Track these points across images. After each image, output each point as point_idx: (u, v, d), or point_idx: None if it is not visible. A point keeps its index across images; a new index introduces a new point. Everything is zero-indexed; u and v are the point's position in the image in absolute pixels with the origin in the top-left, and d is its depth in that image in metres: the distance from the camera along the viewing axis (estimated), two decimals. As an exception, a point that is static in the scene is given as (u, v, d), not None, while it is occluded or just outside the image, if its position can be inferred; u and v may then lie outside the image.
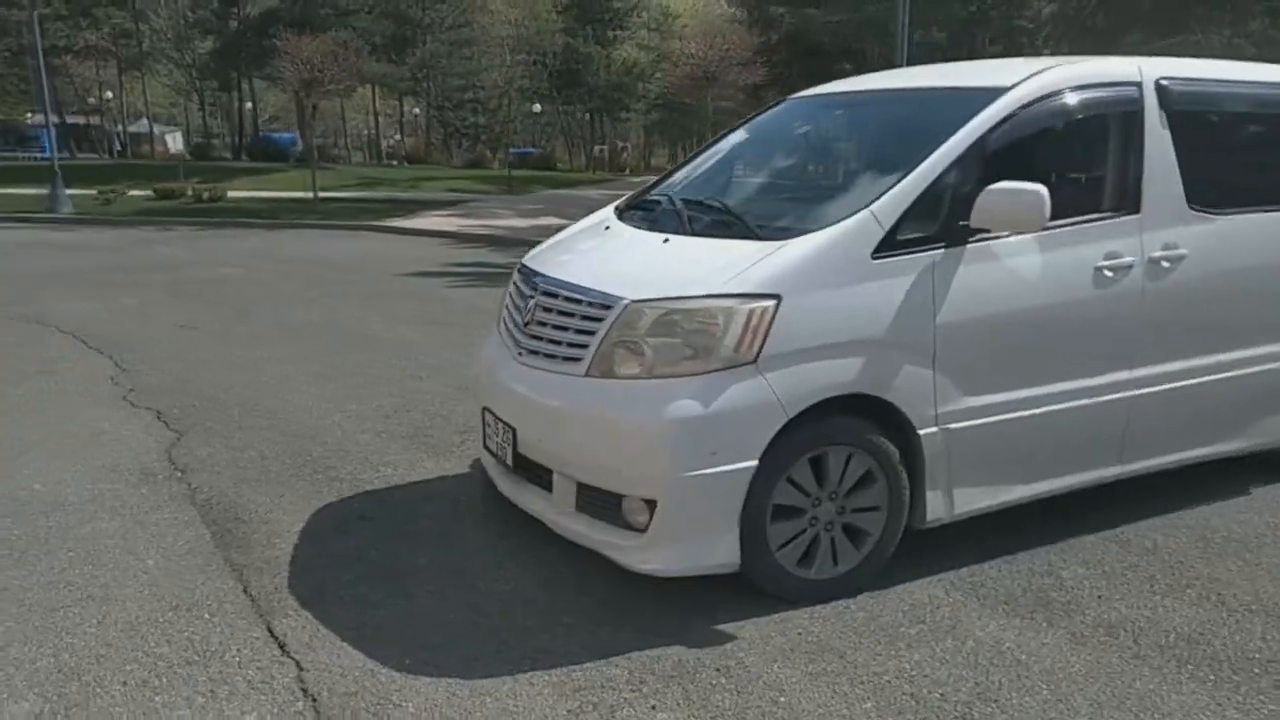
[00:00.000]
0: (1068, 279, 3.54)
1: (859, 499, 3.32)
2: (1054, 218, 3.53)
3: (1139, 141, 3.72)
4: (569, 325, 3.32)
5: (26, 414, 5.51)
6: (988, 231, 3.33)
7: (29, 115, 53.43)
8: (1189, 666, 2.92)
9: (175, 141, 58.16)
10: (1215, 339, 3.97)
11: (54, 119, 52.40)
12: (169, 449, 4.90)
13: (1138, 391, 3.79)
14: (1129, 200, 3.71)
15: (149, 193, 21.39)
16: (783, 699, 2.74)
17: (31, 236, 16.30)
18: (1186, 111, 3.85)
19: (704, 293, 3.09)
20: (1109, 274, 3.61)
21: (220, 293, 10.10)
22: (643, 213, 4.02)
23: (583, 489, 3.24)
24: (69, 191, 19.88)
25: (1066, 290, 3.54)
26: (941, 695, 2.76)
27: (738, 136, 4.60)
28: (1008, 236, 3.42)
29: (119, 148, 48.94)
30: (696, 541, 3.07)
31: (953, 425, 3.39)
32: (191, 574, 3.51)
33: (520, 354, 3.52)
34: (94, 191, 20.83)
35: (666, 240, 3.56)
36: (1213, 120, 4.06)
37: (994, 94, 3.52)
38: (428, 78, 35.12)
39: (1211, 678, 2.87)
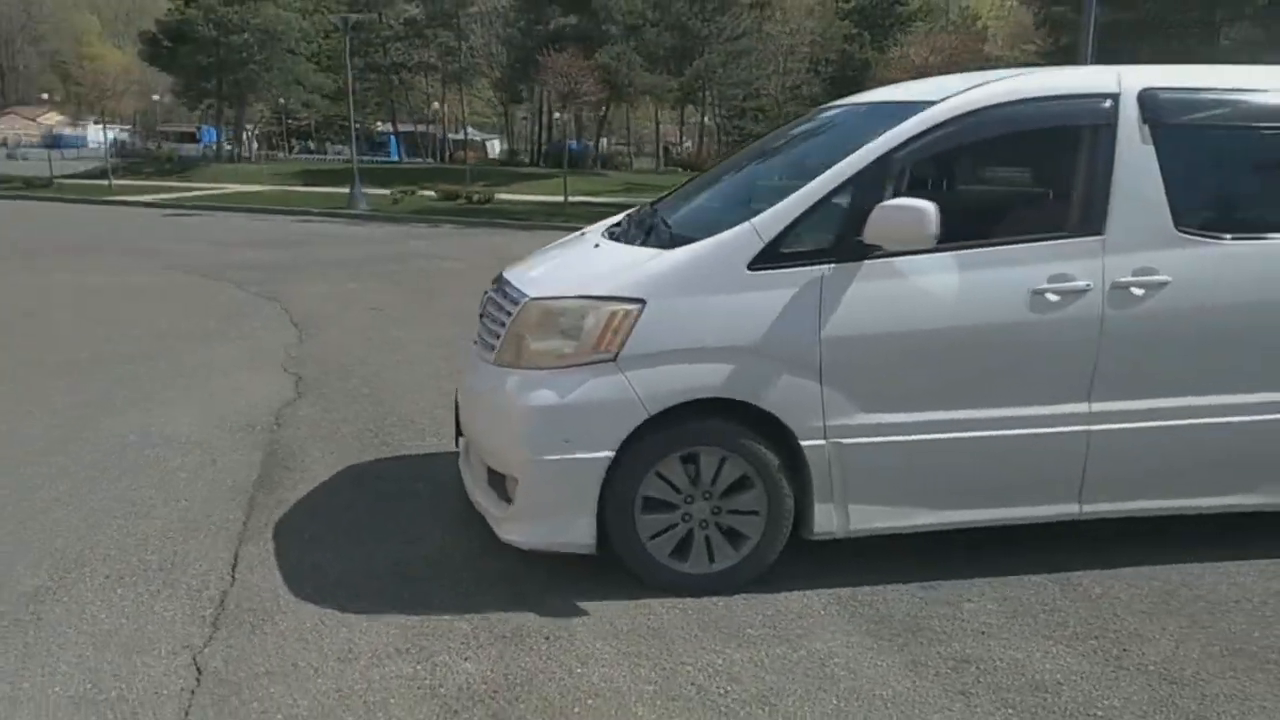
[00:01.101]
0: (994, 301, 3.39)
1: (736, 502, 3.42)
2: (985, 237, 3.44)
3: (1107, 157, 3.45)
4: (498, 318, 3.71)
5: (195, 370, 6.75)
6: (881, 248, 3.29)
7: (378, 124, 61.45)
8: (1007, 709, 2.79)
9: (494, 148, 64.27)
10: (1212, 378, 3.56)
11: (387, 127, 60.06)
12: (281, 408, 5.83)
13: (1101, 427, 3.52)
14: (1089, 220, 3.46)
15: (434, 194, 24.05)
16: (579, 670, 2.97)
17: (323, 229, 19.03)
18: (1180, 125, 3.52)
19: (578, 293, 3.36)
20: (1053, 298, 3.41)
21: (428, 282, 11.40)
22: (622, 223, 4.29)
23: (490, 467, 3.62)
24: (370, 191, 22.88)
25: (992, 313, 3.39)
26: (726, 692, 2.86)
27: (750, 149, 4.73)
28: (919, 254, 3.36)
29: (446, 153, 54.97)
30: (553, 520, 3.35)
31: (845, 440, 3.39)
32: (218, 503, 4.29)
33: (474, 343, 3.96)
34: (389, 191, 23.82)
35: (597, 246, 3.84)
36: (1218, 135, 3.64)
37: (918, 109, 3.46)
38: (704, 87, 36.30)
39: (1022, 724, 2.73)
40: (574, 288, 3.42)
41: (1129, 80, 3.52)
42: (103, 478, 4.58)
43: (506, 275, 3.89)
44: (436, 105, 47.63)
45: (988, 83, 3.52)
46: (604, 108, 26.70)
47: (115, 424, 5.43)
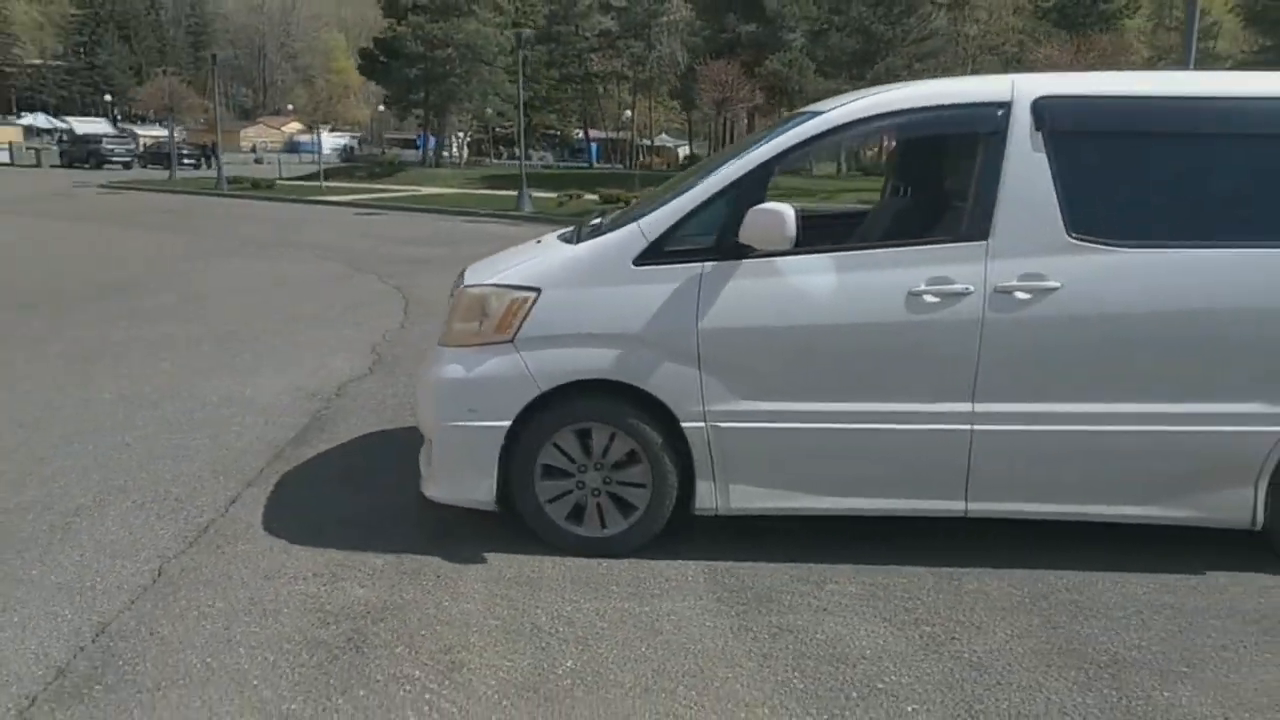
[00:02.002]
0: (870, 300, 3.59)
1: (625, 474, 3.79)
2: (863, 240, 3.65)
3: (995, 164, 3.56)
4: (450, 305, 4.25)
5: (300, 348, 7.73)
6: (754, 248, 3.57)
7: (577, 131, 64.13)
8: (793, 673, 3.03)
9: (683, 153, 65.48)
10: (1103, 386, 3.59)
11: (580, 134, 62.52)
12: (347, 382, 6.65)
13: (985, 427, 3.63)
14: (973, 225, 3.59)
15: (596, 198, 25.07)
16: (447, 603, 3.45)
17: (484, 229, 20.32)
18: (1075, 133, 3.58)
19: (492, 283, 3.84)
20: (931, 299, 3.56)
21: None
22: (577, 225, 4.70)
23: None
24: (541, 194, 24.20)
25: (868, 312, 3.58)
26: (555, 632, 3.25)
27: (725, 151, 5.03)
28: (798, 255, 3.62)
29: (638, 158, 56.73)
30: (460, 479, 3.84)
31: (723, 424, 3.69)
32: (250, 455, 5.07)
33: None
34: (556, 195, 25.07)
35: (538, 243, 4.30)
36: (1114, 142, 3.64)
37: (809, 118, 3.70)
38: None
39: (799, 687, 2.96)
40: (492, 278, 3.90)
41: (1024, 88, 3.60)
42: (174, 429, 5.49)
43: (466, 269, 4.42)
44: (629, 113, 49.28)
45: (879, 92, 3.71)
46: (778, 113, 26.81)
47: (207, 388, 6.40)
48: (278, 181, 31.95)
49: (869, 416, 3.65)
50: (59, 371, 6.79)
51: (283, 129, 75.51)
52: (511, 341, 3.72)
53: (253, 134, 74.42)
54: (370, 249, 15.75)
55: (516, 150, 67.83)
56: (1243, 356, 3.54)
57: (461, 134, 56.24)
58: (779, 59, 30.22)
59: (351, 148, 66.37)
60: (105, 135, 50.21)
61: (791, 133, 3.67)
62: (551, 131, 54.62)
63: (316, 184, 31.01)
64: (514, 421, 3.73)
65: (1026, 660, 3.11)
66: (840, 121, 3.66)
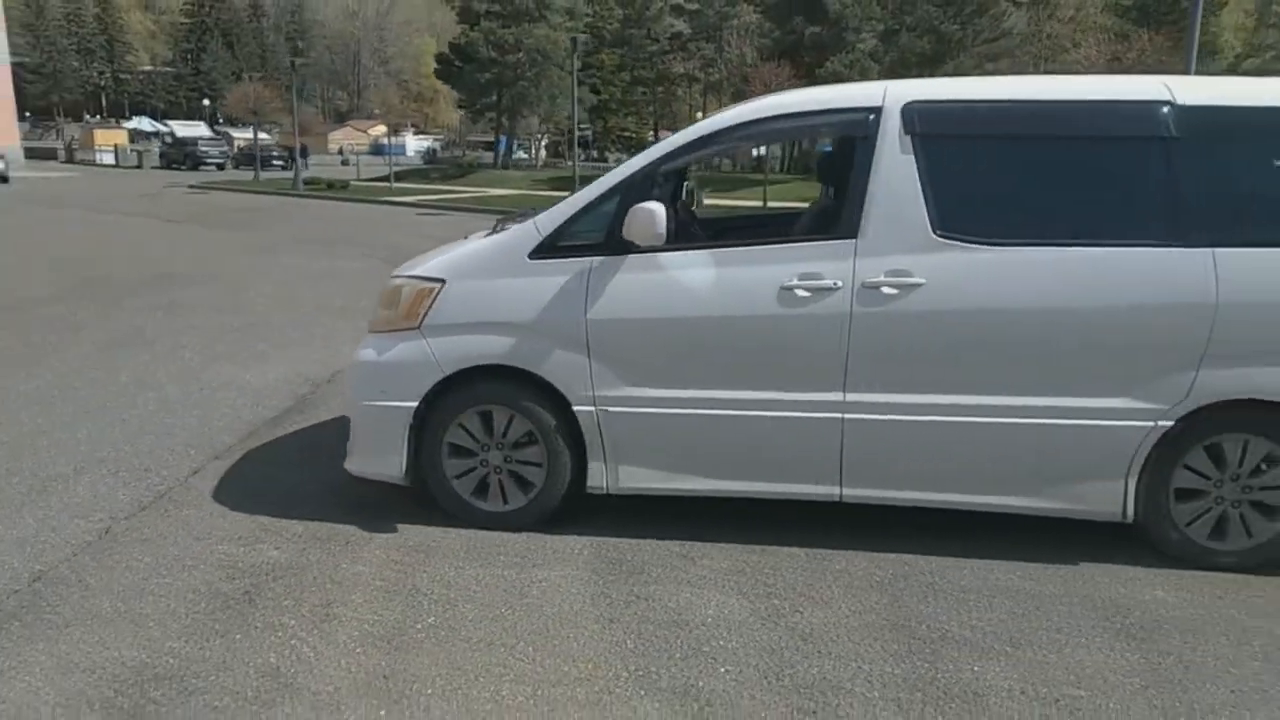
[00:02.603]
0: (745, 294, 3.80)
1: (523, 454, 4.08)
2: (743, 237, 3.87)
3: (865, 166, 3.74)
4: (387, 295, 4.59)
5: (312, 337, 8.24)
6: (636, 244, 3.81)
7: (651, 134, 64.52)
8: (633, 636, 3.27)
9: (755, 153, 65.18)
10: (968, 379, 3.73)
11: (654, 137, 62.71)
12: (342, 368, 7.08)
13: (856, 416, 3.81)
14: (843, 224, 3.77)
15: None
16: (344, 565, 3.78)
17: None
18: (942, 136, 3.73)
19: (405, 274, 4.18)
20: (802, 294, 3.76)
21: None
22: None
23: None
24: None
25: (743, 305, 3.80)
26: (429, 593, 3.55)
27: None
28: (680, 251, 3.86)
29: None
30: (374, 455, 4.18)
31: (611, 409, 3.95)
32: (228, 432, 5.50)
33: None
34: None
35: (466, 238, 4.62)
36: (979, 145, 3.77)
37: (703, 122, 3.94)
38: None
39: (629, 647, 3.20)
40: (410, 270, 4.23)
41: (894, 94, 3.77)
42: (169, 409, 5.98)
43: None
44: (700, 115, 49.55)
45: (761, 98, 3.92)
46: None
47: (214, 373, 6.91)
48: (352, 183, 33.11)
49: (746, 404, 3.86)
50: (88, 356, 7.40)
51: (368, 132, 77.80)
52: (418, 328, 4.04)
53: (339, 136, 76.91)
54: (418, 246, 16.31)
55: (593, 152, 68.69)
56: (1107, 353, 3.64)
57: (539, 136, 57.16)
58: (840, 60, 30.07)
59: (434, 150, 68.01)
60: (201, 138, 52.56)
61: (672, 139, 3.91)
62: (627, 134, 55.16)
63: (388, 185, 32.04)
64: (421, 402, 4.05)
65: (856, 633, 3.29)
66: (714, 129, 3.89)
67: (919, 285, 3.68)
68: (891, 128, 3.72)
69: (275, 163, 47.79)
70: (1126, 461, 3.71)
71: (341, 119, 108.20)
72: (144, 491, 4.56)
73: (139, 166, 49.94)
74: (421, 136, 78.25)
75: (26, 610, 3.38)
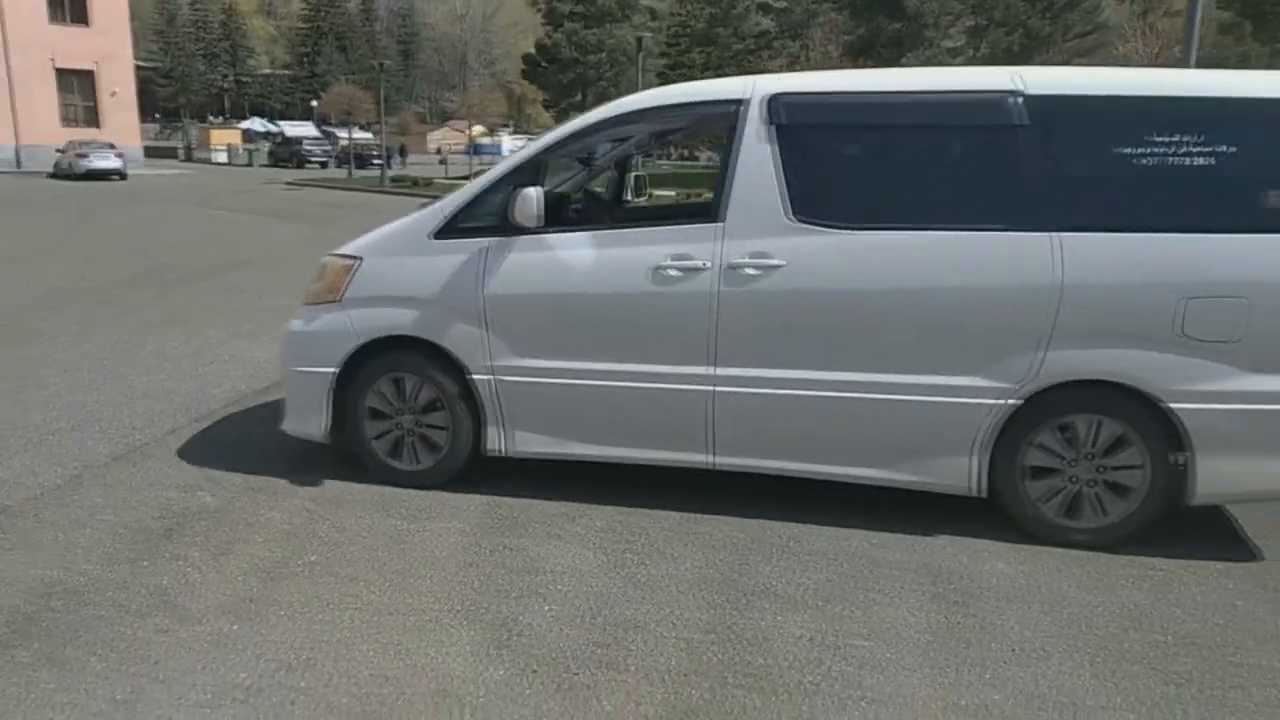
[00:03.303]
0: (622, 273, 4.09)
1: (430, 419, 4.47)
2: (622, 220, 4.19)
3: (730, 155, 4.00)
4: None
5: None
6: (525, 226, 4.15)
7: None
8: (485, 579, 3.62)
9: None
10: (826, 355, 3.93)
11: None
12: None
13: (724, 389, 4.07)
14: (711, 209, 4.03)
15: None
16: (263, 513, 4.23)
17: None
18: (801, 126, 3.95)
19: (332, 252, 4.61)
20: (674, 274, 4.04)
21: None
22: None
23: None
24: (660, 192, 25.05)
25: (620, 283, 4.10)
26: (323, 538, 3.97)
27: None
28: (565, 232, 4.19)
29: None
30: (302, 415, 4.62)
31: (505, 378, 4.30)
32: (219, 399, 6.08)
33: None
34: (674, 193, 25.78)
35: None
36: (835, 135, 3.97)
37: (587, 114, 4.25)
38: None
39: (475, 585, 3.55)
40: (339, 249, 4.66)
41: (760, 87, 4.01)
42: (177, 378, 6.60)
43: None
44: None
45: (644, 91, 4.20)
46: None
47: (228, 349, 7.54)
48: (436, 180, 34.27)
49: (625, 375, 4.16)
50: (131, 333, 8.13)
51: (465, 132, 79.93)
52: (339, 301, 4.47)
53: (438, 136, 79.11)
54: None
55: (685, 150, 68.73)
56: (955, 332, 3.80)
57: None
58: (916, 57, 29.63)
59: (527, 149, 69.38)
60: (306, 138, 54.98)
61: (558, 130, 4.23)
62: (717, 132, 55.42)
63: (466, 181, 33.00)
64: (341, 368, 4.47)
65: (686, 585, 3.56)
66: (596, 119, 4.19)
67: (779, 266, 3.91)
68: (754, 118, 3.96)
69: (375, 161, 49.59)
70: (975, 438, 3.87)
71: (446, 119, 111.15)
72: (121, 446, 5.12)
73: (249, 165, 52.59)
74: (518, 136, 79.89)
75: (-19, 536, 3.93)
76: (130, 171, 37.12)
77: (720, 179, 4.01)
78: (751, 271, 3.93)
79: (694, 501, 4.32)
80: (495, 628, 3.23)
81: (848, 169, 4.03)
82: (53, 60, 41.50)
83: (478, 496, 4.41)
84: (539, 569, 3.69)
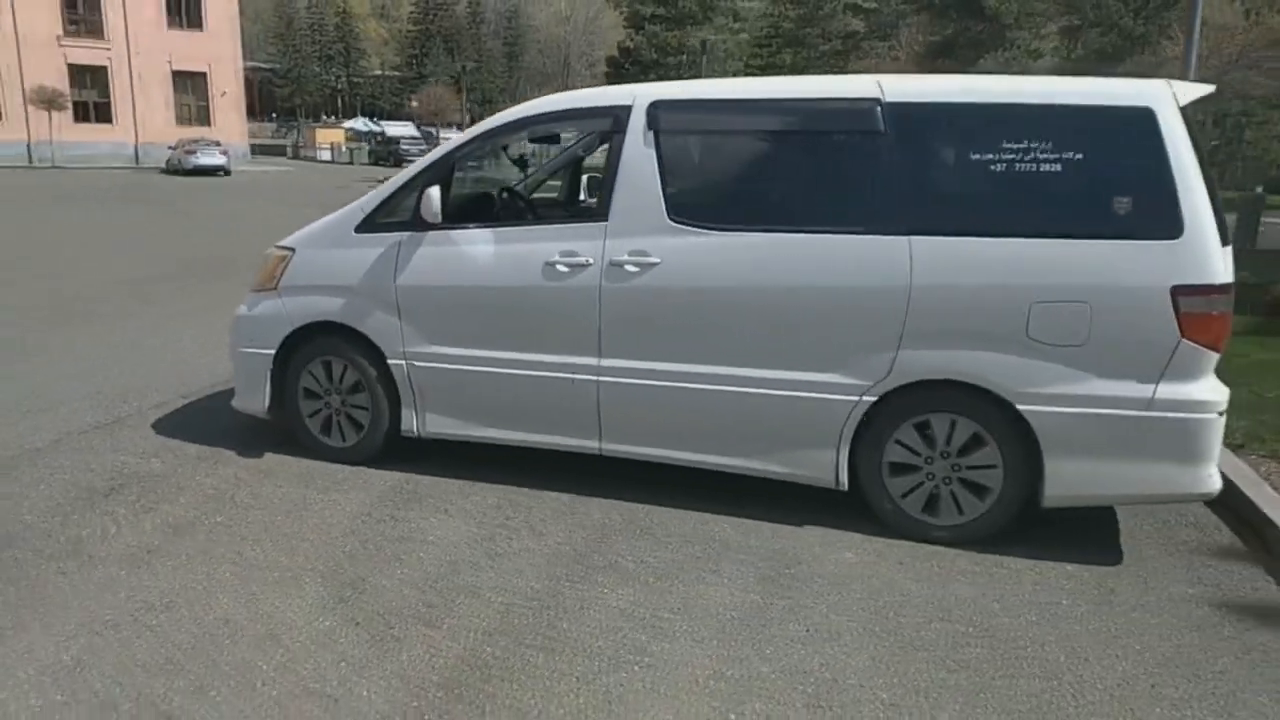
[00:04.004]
0: (517, 268, 4.38)
1: (355, 399, 4.84)
2: (521, 219, 4.50)
3: (615, 158, 4.24)
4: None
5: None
6: (430, 222, 4.48)
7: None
8: (367, 547, 3.96)
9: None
10: (701, 350, 4.14)
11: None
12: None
13: (609, 379, 4.32)
14: (598, 209, 4.29)
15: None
16: (196, 477, 4.67)
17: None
18: (677, 131, 4.17)
19: (277, 244, 5.03)
20: (563, 269, 4.30)
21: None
22: None
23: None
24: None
25: (515, 277, 4.38)
26: (235, 500, 4.38)
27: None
28: (469, 229, 4.51)
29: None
30: (247, 393, 5.05)
31: (417, 363, 4.64)
32: (211, 380, 6.62)
33: None
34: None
35: (350, 216, 5.42)
36: (710, 141, 4.16)
37: (488, 119, 4.56)
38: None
39: (346, 549, 3.90)
40: (281, 241, 5.08)
41: (643, 94, 4.24)
42: (182, 361, 7.17)
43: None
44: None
45: (536, 99, 4.48)
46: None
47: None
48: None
49: (522, 364, 4.44)
50: (159, 320, 8.79)
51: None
52: (275, 289, 4.89)
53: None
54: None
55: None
56: (818, 330, 3.96)
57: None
58: (994, 59, 28.84)
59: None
60: (404, 137, 56.93)
61: (463, 134, 4.54)
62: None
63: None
64: (277, 350, 4.89)
65: (538, 559, 3.83)
66: (496, 124, 4.49)
67: (655, 264, 4.14)
68: (637, 124, 4.19)
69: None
70: (837, 432, 4.02)
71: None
72: (106, 416, 5.67)
73: (350, 163, 54.74)
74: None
75: (-49, 487, 4.48)
76: (236, 168, 39.17)
77: (607, 181, 4.26)
78: (631, 269, 4.17)
79: (593, 485, 4.55)
80: (344, 586, 3.57)
81: (719, 172, 4.24)
82: (169, 63, 43.98)
83: (393, 473, 4.76)
84: (414, 539, 4.01)
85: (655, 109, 4.18)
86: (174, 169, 37.26)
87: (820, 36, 42.12)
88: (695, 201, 4.15)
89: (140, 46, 43.34)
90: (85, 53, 42.83)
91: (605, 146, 4.34)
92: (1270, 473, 4.76)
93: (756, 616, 3.39)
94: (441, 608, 3.41)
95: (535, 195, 5.39)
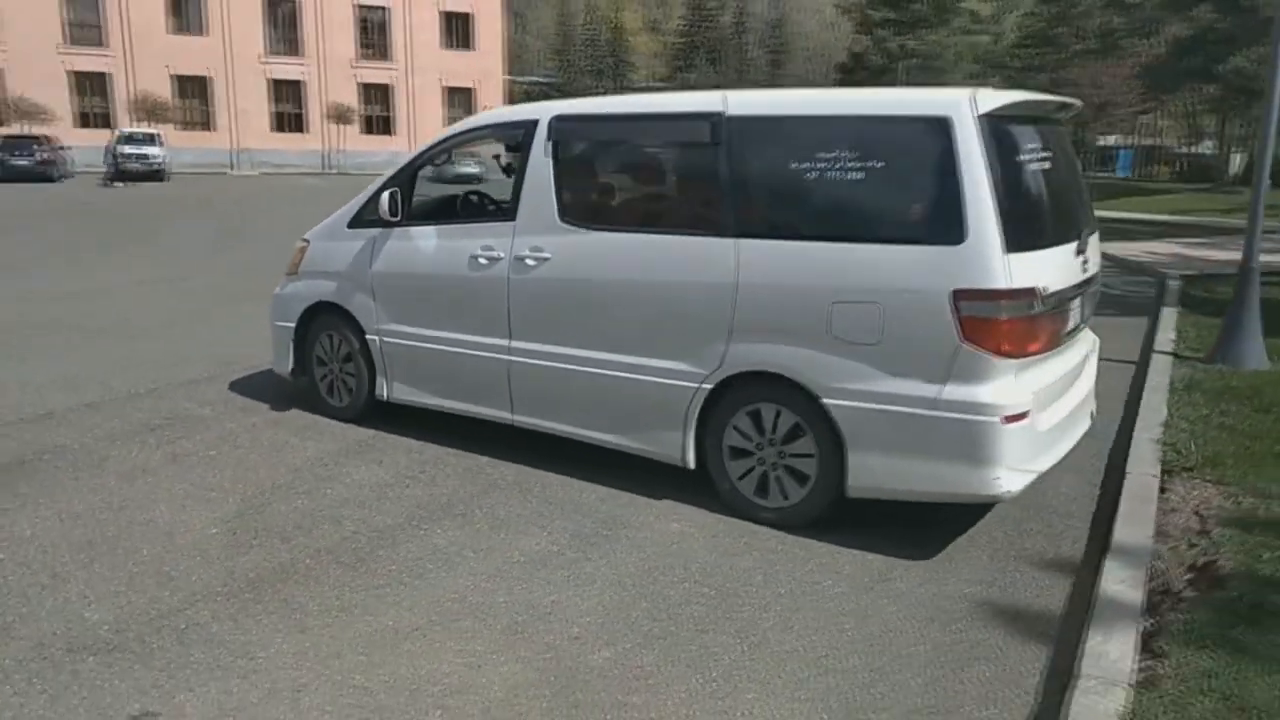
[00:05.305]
0: (450, 259, 5.13)
1: (347, 368, 5.80)
2: (460, 218, 5.30)
3: (523, 166, 4.89)
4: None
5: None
6: (395, 221, 5.33)
7: (1106, 138, 58.92)
8: (293, 477, 4.88)
9: (1238, 161, 56.38)
10: (580, 334, 4.68)
11: (1112, 140, 56.70)
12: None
13: (516, 359, 4.98)
14: (509, 210, 4.96)
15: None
16: (213, 424, 5.83)
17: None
18: (570, 144, 4.74)
19: (303, 236, 6.10)
20: (483, 261, 5.02)
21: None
22: None
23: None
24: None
25: (449, 267, 5.14)
26: (199, 456, 5.47)
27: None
28: (421, 226, 5.34)
29: (1180, 165, 50.87)
30: (278, 359, 6.15)
31: (386, 339, 5.53)
32: (261, 353, 7.89)
33: None
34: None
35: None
36: (594, 151, 4.66)
37: (441, 131, 5.35)
38: None
39: (280, 482, 4.82)
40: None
41: (547, 110, 4.84)
42: (237, 332, 8.12)
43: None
44: (1142, 117, 44.53)
45: (478, 114, 5.19)
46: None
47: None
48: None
49: (454, 343, 5.19)
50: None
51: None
52: (297, 274, 5.95)
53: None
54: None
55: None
56: (667, 322, 4.40)
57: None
58: (1246, 56, 25.63)
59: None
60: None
61: (422, 146, 5.35)
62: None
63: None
64: (297, 324, 5.95)
65: (412, 503, 4.55)
66: (445, 136, 5.27)
67: (548, 259, 4.74)
68: (540, 137, 4.80)
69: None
70: (683, 416, 4.43)
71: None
72: (202, 374, 6.97)
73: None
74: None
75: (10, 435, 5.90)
76: (492, 177, 42.81)
77: (516, 186, 4.91)
78: (530, 262, 4.80)
79: (518, 453, 5.16)
80: (250, 507, 4.47)
81: (598, 178, 4.77)
82: (441, 80, 48.71)
83: (368, 430, 5.65)
84: (335, 479, 4.86)
85: (554, 123, 4.77)
86: (438, 177, 41.36)
87: (1074, 35, 39.35)
88: (579, 204, 4.70)
89: (419, 66, 48.44)
90: (374, 73, 48.52)
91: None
92: (1192, 497, 4.56)
93: (540, 562, 3.91)
94: (305, 529, 4.22)
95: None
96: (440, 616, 3.46)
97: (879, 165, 3.87)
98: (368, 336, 5.58)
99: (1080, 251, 4.20)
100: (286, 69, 47.39)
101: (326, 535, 4.16)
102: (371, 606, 3.53)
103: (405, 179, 5.38)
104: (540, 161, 4.79)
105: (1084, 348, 4.65)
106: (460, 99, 50.41)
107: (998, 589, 3.76)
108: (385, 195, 5.26)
